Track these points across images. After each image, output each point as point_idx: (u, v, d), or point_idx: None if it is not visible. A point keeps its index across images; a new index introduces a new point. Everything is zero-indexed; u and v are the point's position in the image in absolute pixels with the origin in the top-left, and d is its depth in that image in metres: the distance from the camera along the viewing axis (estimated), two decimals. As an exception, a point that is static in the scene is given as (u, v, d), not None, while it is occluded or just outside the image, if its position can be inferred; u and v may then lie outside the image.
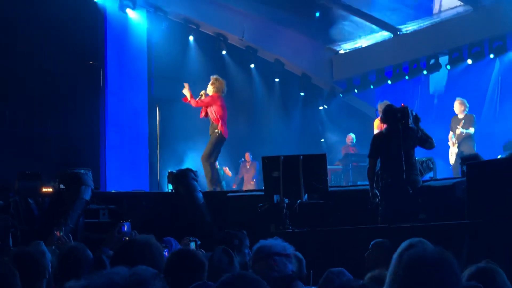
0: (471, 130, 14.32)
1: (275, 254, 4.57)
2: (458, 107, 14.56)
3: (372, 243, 6.44)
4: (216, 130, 12.99)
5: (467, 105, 14.56)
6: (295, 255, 5.94)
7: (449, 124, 14.70)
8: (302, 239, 8.76)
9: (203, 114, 13.33)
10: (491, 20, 16.50)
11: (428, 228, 8.36)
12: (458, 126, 14.36)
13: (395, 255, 4.20)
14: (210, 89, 13.34)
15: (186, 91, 13.40)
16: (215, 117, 13.04)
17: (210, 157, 12.98)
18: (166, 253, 5.97)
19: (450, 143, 14.53)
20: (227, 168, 19.25)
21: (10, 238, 8.98)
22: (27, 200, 10.18)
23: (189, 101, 13.34)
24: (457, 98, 14.78)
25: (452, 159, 14.48)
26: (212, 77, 13.52)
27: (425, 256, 3.08)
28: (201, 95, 13.37)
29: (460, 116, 14.50)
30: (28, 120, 17.69)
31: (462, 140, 14.35)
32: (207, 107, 13.18)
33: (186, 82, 13.64)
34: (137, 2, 18.85)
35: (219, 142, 13.11)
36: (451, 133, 14.52)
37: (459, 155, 14.09)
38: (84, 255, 5.27)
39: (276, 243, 4.72)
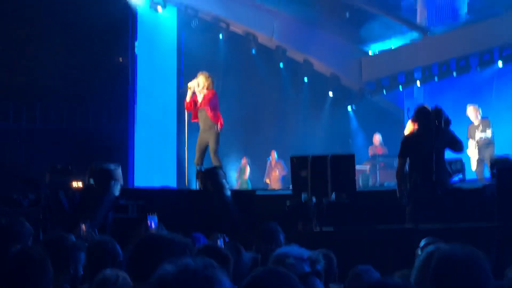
0: (489, 133, 14.18)
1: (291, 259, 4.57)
2: (473, 113, 14.39)
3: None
4: (217, 128, 12.39)
5: (480, 110, 14.41)
6: (324, 254, 5.98)
7: (467, 132, 14.51)
8: (329, 238, 8.78)
9: (196, 118, 12.66)
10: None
11: (456, 229, 8.33)
12: (476, 131, 14.22)
13: (420, 257, 4.20)
14: (207, 85, 12.46)
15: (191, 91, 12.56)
16: (214, 114, 12.39)
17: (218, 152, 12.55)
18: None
19: (469, 151, 14.31)
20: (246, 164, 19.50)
21: (41, 232, 9.08)
22: (58, 194, 10.27)
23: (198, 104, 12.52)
24: (469, 105, 14.57)
25: (474, 165, 14.30)
26: (205, 73, 12.61)
27: (455, 255, 3.08)
28: (189, 88, 12.49)
29: (476, 122, 14.35)
30: (58, 115, 17.87)
31: (483, 145, 14.20)
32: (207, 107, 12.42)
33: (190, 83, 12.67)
34: (168, 0, 18.99)
35: (220, 136, 12.58)
36: (470, 140, 14.35)
37: (481, 160, 14.02)
38: (112, 249, 5.31)
39: (292, 249, 4.73)
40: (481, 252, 3.09)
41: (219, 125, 12.50)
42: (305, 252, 4.70)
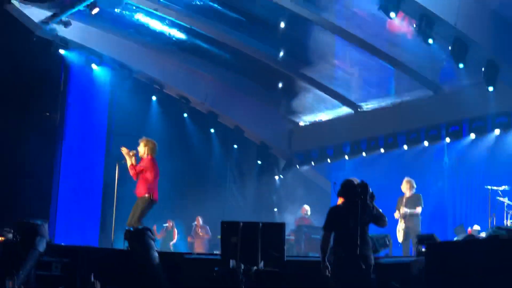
0: (418, 209, 14.31)
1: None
2: (406, 186, 14.57)
3: None
4: (147, 195, 12.40)
5: (415, 185, 14.58)
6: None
7: (396, 204, 14.66)
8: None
9: (135, 176, 12.61)
10: (449, 106, 16.87)
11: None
12: (401, 205, 14.33)
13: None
14: (143, 151, 12.64)
15: (128, 157, 12.64)
16: (148, 180, 12.47)
17: (140, 222, 12.26)
18: None
19: (398, 225, 14.44)
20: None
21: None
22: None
23: (130, 167, 12.59)
24: (405, 178, 14.81)
25: (400, 236, 14.41)
26: (144, 139, 12.77)
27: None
28: (133, 154, 12.61)
29: (408, 194, 14.50)
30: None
31: (409, 217, 14.32)
32: (142, 171, 12.49)
33: (123, 147, 12.83)
34: (104, 58, 18.94)
35: (149, 205, 12.50)
36: (397, 211, 14.45)
37: (406, 231, 14.16)
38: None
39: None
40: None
41: (152, 193, 12.45)
42: None
